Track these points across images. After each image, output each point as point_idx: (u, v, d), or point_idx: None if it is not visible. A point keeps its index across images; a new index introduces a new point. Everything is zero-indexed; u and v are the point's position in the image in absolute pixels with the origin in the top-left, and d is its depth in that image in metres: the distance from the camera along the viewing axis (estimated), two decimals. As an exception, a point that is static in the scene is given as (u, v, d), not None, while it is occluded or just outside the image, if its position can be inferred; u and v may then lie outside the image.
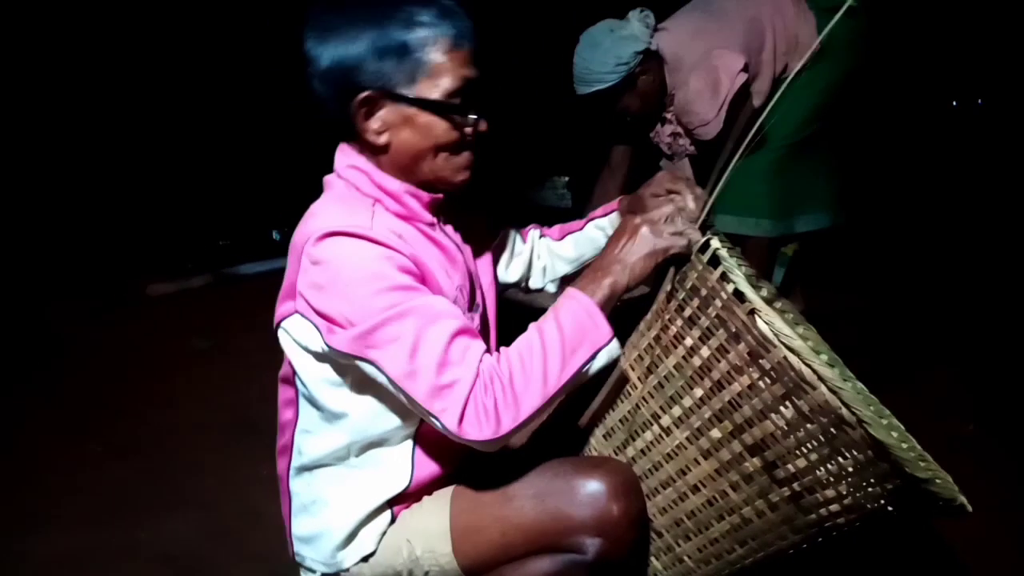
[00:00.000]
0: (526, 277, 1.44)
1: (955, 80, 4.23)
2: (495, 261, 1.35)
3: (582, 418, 1.24)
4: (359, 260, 1.00)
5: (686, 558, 1.14)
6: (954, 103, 4.41)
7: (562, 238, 1.41)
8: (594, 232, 1.37)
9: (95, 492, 1.90)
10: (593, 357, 1.02)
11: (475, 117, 1.08)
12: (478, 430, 0.97)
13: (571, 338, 1.01)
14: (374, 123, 1.06)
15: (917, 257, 3.47)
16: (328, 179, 1.14)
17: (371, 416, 1.10)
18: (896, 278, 3.28)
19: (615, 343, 1.04)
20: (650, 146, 2.51)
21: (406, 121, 1.05)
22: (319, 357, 1.08)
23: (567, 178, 3.50)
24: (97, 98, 3.48)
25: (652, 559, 1.17)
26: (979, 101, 4.34)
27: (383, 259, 1.01)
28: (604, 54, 2.15)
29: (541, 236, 1.43)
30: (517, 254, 1.41)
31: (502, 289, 1.40)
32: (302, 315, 1.04)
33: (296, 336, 1.07)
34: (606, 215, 1.36)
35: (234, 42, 3.60)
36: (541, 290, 1.46)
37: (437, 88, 1.04)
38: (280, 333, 1.10)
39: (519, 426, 0.99)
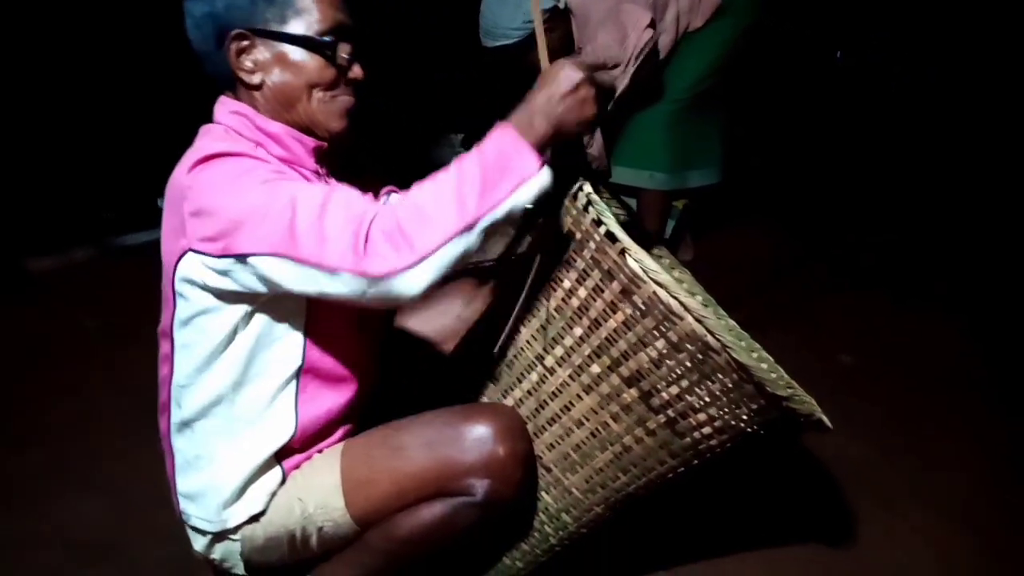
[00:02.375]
0: None
1: (838, 32, 4.40)
2: None
3: (469, 365, 1.27)
4: (234, 170, 1.00)
5: (574, 490, 1.19)
6: (838, 55, 4.59)
7: None
8: None
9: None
10: (518, 187, 0.93)
11: (347, 56, 1.09)
12: (387, 258, 0.90)
13: (492, 165, 0.93)
14: (247, 62, 1.07)
15: (797, 200, 3.65)
16: (205, 126, 1.13)
17: (247, 355, 1.08)
18: (779, 220, 3.44)
19: (545, 172, 0.95)
20: None
21: (278, 59, 1.07)
22: (215, 294, 1.04)
23: (462, 135, 3.48)
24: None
25: (542, 494, 1.21)
26: (838, 55, 4.50)
27: (258, 165, 1.02)
28: (513, 9, 2.14)
29: None
30: None
31: None
32: (193, 250, 1.01)
33: (191, 275, 1.03)
34: None
35: (106, 6, 3.38)
36: None
37: (307, 26, 1.06)
38: (177, 280, 1.05)
39: (434, 252, 0.90)
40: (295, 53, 1.07)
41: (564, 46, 2.27)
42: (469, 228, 0.92)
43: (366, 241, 0.91)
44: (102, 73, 3.40)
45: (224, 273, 1.01)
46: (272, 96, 1.09)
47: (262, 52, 1.07)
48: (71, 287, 2.89)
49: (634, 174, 2.54)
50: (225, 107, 1.12)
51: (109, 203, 3.37)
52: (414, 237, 0.90)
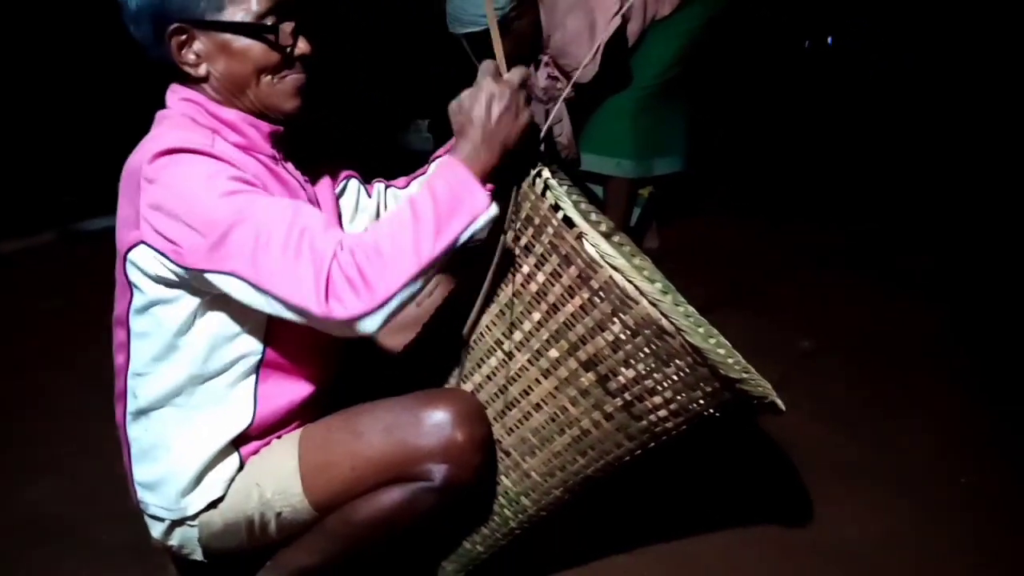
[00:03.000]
0: None
1: (805, 20, 4.45)
2: (339, 210, 1.33)
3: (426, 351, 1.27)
4: (197, 174, 0.98)
5: (533, 473, 1.20)
6: (806, 43, 4.65)
7: (407, 184, 1.39)
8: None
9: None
10: (469, 224, 0.97)
11: (290, 36, 1.07)
12: (348, 304, 0.93)
13: (445, 205, 0.96)
14: (189, 55, 1.05)
15: (765, 188, 3.69)
16: (161, 113, 1.11)
17: (207, 349, 1.08)
18: (746, 209, 3.48)
19: (493, 206, 0.99)
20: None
21: (221, 49, 1.04)
22: (167, 284, 1.03)
23: (428, 120, 3.47)
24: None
25: (502, 477, 1.22)
26: (829, 40, 4.57)
27: (222, 170, 0.99)
28: None
29: (387, 188, 1.40)
30: (362, 209, 1.38)
31: None
32: (147, 243, 1.00)
33: (143, 266, 1.02)
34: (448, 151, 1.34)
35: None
36: None
37: (246, 11, 1.03)
38: (128, 268, 1.05)
39: (394, 295, 0.94)
40: (237, 40, 1.04)
41: (533, 32, 2.27)
42: (424, 269, 0.95)
43: (327, 285, 0.92)
44: (63, 60, 3.34)
45: (175, 274, 1.01)
46: (220, 85, 1.07)
47: (203, 43, 1.04)
48: (31, 269, 2.85)
49: (601, 161, 2.55)
50: (176, 94, 1.10)
51: (70, 187, 3.32)
52: (374, 284, 0.93)
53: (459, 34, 2.20)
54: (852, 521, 1.66)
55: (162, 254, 0.99)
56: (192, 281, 1.02)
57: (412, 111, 3.52)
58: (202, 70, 1.05)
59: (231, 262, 0.95)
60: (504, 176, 1.11)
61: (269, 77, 1.07)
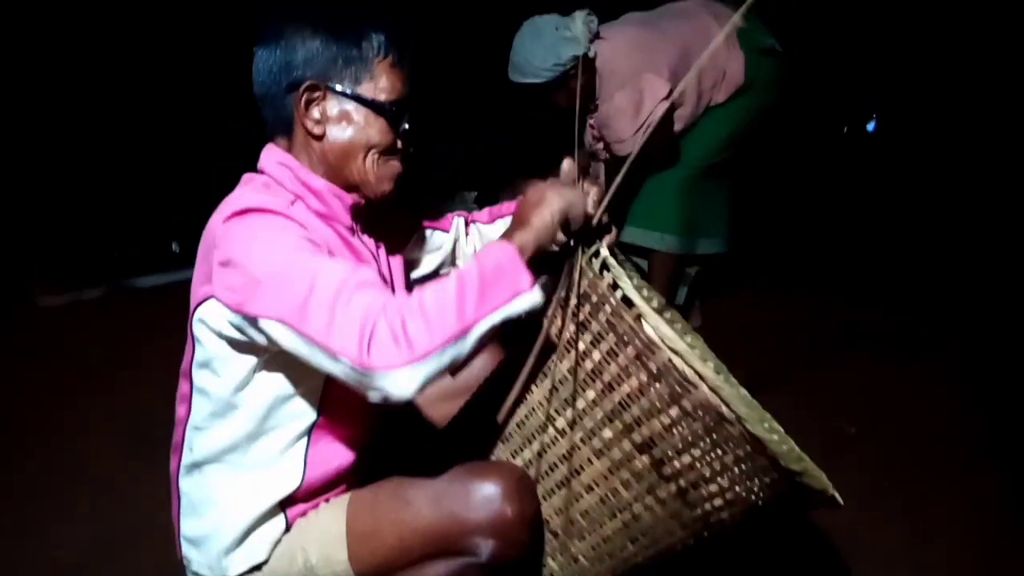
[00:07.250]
0: (449, 263, 1.44)
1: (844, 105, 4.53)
2: (409, 267, 1.36)
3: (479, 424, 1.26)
4: (266, 229, 1.02)
5: (581, 557, 1.17)
6: (844, 128, 4.73)
7: (492, 221, 1.42)
8: None
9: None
10: (512, 299, 0.96)
11: (407, 127, 1.14)
12: (388, 356, 0.90)
13: (491, 276, 0.97)
14: (314, 112, 1.10)
15: (803, 269, 3.69)
16: (248, 175, 1.15)
17: (264, 408, 1.09)
18: (784, 290, 3.47)
19: (537, 291, 0.98)
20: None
21: (344, 116, 1.11)
22: (229, 341, 1.06)
23: (476, 192, 3.53)
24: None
25: (548, 559, 1.19)
26: (869, 127, 4.66)
27: (292, 229, 1.03)
28: (545, 51, 2.22)
29: (470, 222, 1.43)
30: (433, 249, 1.42)
31: (430, 278, 1.42)
32: (216, 298, 1.02)
33: (211, 322, 1.05)
34: None
35: (137, 44, 3.48)
36: None
37: (380, 91, 1.11)
38: (195, 322, 1.08)
39: (432, 353, 0.91)
40: (361, 113, 1.11)
41: (588, 93, 2.34)
42: (465, 332, 0.93)
43: (371, 336, 0.91)
44: (122, 118, 3.49)
45: (236, 326, 1.03)
46: (329, 149, 1.12)
47: (331, 106, 1.11)
48: (79, 322, 2.93)
49: (646, 235, 2.58)
50: (272, 156, 1.14)
51: (121, 243, 3.42)
52: (414, 338, 0.91)
53: (518, 83, 2.28)
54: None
55: (227, 306, 1.01)
56: (248, 331, 1.02)
57: (458, 184, 3.59)
58: (319, 129, 1.11)
59: (280, 308, 0.95)
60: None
61: (376, 156, 1.13)
